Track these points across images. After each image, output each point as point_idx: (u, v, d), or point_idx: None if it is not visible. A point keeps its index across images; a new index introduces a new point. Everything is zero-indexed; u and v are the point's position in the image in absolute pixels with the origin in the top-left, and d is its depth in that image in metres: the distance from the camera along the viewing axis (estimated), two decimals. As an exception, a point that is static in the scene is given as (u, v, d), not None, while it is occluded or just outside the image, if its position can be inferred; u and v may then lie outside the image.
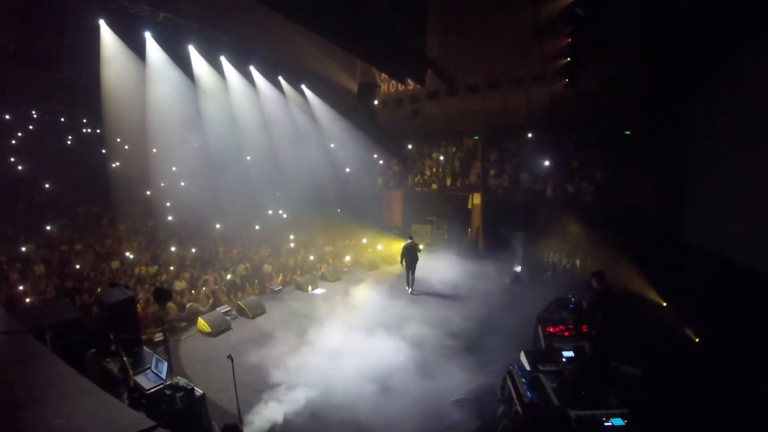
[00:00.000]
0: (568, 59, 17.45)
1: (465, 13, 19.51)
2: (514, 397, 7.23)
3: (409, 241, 15.76)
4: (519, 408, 6.97)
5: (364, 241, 20.93)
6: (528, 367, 8.11)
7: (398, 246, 18.14)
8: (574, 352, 8.30)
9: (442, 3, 19.74)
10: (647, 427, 6.29)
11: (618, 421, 6.17)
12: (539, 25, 17.87)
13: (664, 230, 14.89)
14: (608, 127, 17.67)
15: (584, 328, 9.43)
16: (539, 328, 9.87)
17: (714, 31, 11.53)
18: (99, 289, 11.74)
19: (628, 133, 17.15)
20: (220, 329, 12.05)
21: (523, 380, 7.42)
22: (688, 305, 11.35)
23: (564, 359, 8.21)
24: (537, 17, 17.64)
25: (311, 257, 18.19)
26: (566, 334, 9.33)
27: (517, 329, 11.44)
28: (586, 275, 10.92)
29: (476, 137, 22.55)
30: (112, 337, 6.82)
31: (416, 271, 15.62)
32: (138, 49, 17.02)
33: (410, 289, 15.51)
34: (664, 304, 12.64)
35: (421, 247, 20.33)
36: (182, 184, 20.87)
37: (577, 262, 16.65)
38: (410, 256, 15.45)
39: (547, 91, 19.13)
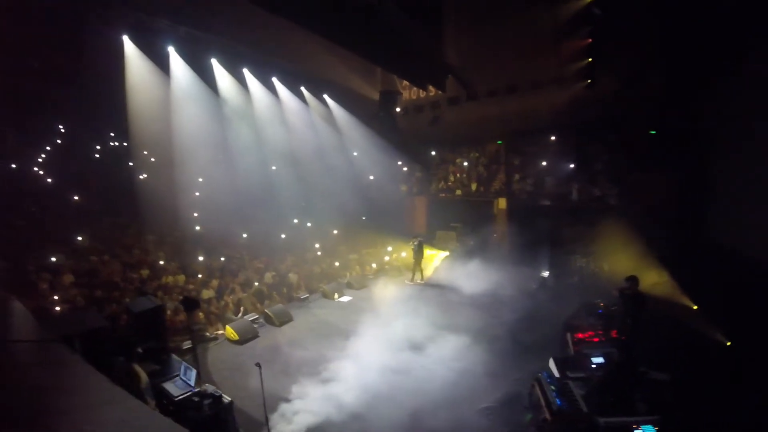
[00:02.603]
0: (589, 60, 17.27)
1: (481, 18, 19.36)
2: (543, 404, 7.14)
3: (416, 241, 17.94)
4: (548, 415, 6.87)
5: (389, 248, 20.90)
6: (557, 374, 8.01)
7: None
8: (603, 358, 8.17)
9: (457, 9, 19.69)
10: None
11: (649, 429, 6.06)
12: (557, 27, 17.71)
13: (691, 230, 14.60)
14: (631, 128, 17.34)
15: (613, 334, 9.30)
16: (567, 335, 9.77)
17: (732, 24, 11.34)
18: (127, 299, 11.92)
19: (653, 132, 16.84)
20: (247, 337, 12.12)
21: (552, 387, 7.33)
22: (718, 308, 11.05)
23: (593, 365, 8.11)
24: (554, 19, 17.46)
25: (336, 264, 18.28)
26: (595, 339, 9.26)
27: (544, 336, 11.37)
28: (614, 279, 10.72)
29: (499, 142, 22.38)
30: (135, 341, 6.90)
31: (443, 278, 17.86)
32: (162, 62, 17.26)
33: (422, 281, 17.94)
34: (694, 308, 12.36)
35: (446, 253, 20.43)
36: (208, 194, 21.06)
37: (605, 266, 16.40)
38: (419, 254, 17.91)
39: (567, 93, 18.76)
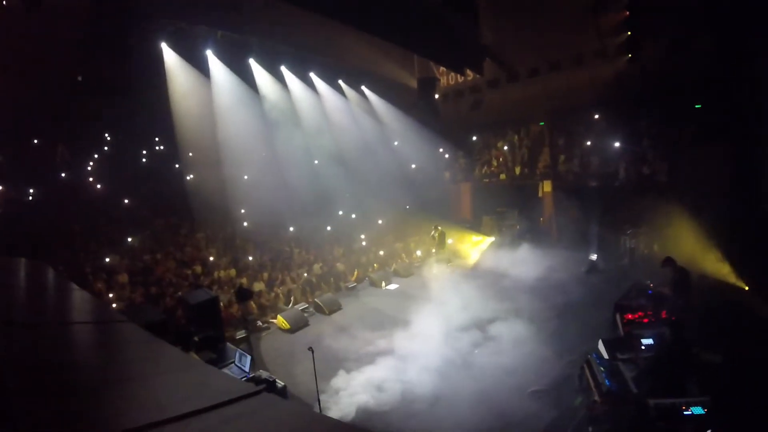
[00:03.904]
0: (629, 33, 16.81)
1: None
2: (592, 386, 7.12)
3: (437, 231, 18.56)
4: (597, 397, 6.85)
5: (433, 234, 20.82)
6: (606, 356, 7.93)
7: (469, 239, 18.40)
8: (653, 339, 8.04)
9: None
10: (728, 416, 6.01)
11: (698, 410, 5.97)
12: (594, 1, 17.26)
13: (743, 207, 14.03)
14: (677, 102, 16.54)
15: (663, 314, 9.14)
16: (617, 316, 9.64)
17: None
18: (180, 293, 12.29)
19: (698, 106, 16.21)
20: (298, 326, 12.41)
21: (602, 369, 7.31)
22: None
23: (643, 347, 7.98)
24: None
25: (381, 252, 18.52)
26: (645, 320, 9.11)
27: (594, 318, 11.19)
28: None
29: (541, 123, 21.96)
30: (192, 331, 7.11)
31: (490, 264, 17.82)
32: (201, 66, 17.65)
33: (446, 266, 18.02)
34: (746, 288, 11.95)
35: (492, 238, 20.27)
36: (255, 190, 21.42)
37: (655, 246, 15.95)
38: (441, 243, 18.53)
39: (610, 68, 18.18)
